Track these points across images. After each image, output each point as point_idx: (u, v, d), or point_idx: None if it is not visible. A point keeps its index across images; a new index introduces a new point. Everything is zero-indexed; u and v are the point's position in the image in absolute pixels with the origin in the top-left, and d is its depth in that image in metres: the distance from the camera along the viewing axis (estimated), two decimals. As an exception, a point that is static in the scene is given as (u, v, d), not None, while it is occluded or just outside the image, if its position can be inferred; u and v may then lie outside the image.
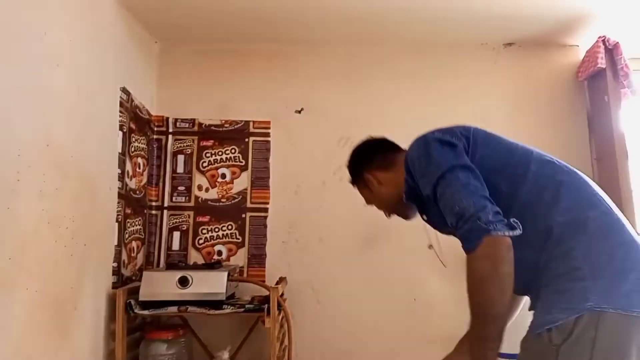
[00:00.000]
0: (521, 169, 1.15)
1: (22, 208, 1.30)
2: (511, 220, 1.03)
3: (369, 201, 1.49)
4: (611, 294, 0.98)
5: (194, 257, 2.38)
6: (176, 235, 2.39)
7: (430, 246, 1.52)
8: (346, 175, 2.42)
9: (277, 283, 2.11)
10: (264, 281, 2.30)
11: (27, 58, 1.36)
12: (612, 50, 2.31)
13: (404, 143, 2.44)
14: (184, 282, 1.92)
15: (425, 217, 1.38)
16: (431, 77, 2.54)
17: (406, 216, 1.45)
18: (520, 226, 1.03)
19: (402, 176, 1.30)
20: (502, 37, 2.51)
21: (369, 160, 1.43)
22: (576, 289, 1.00)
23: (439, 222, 1.29)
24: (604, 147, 2.39)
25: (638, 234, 1.12)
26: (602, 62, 2.28)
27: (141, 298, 1.89)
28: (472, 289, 1.04)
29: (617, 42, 2.29)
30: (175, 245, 2.39)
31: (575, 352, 0.96)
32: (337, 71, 2.56)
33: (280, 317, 2.01)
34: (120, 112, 1.99)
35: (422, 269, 2.39)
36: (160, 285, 1.93)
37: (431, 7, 2.15)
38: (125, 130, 2.03)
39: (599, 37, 2.32)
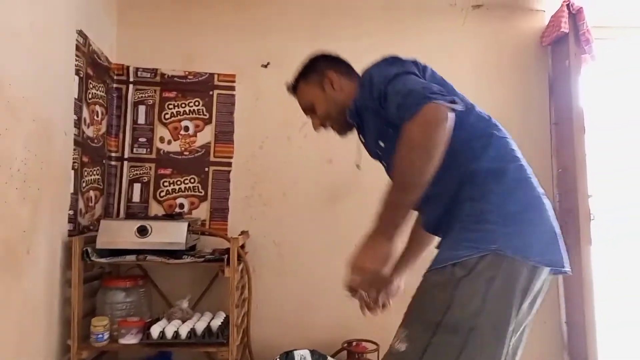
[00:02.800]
0: (463, 115, 1.15)
1: (-33, 144, 1.25)
2: (454, 98, 1.07)
3: (311, 101, 1.43)
4: (516, 241, 1.05)
5: (155, 209, 2.36)
6: (137, 187, 2.36)
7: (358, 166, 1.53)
8: (311, 131, 2.46)
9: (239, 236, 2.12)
10: (226, 234, 2.30)
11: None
12: (575, 15, 2.34)
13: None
14: (143, 231, 1.90)
15: (362, 138, 1.40)
16: (398, 35, 2.53)
17: (340, 131, 1.45)
18: (462, 105, 1.08)
19: (354, 93, 1.32)
20: (471, -1, 2.51)
21: (338, 62, 1.44)
22: (484, 230, 1.07)
23: (373, 142, 1.31)
24: (562, 111, 2.45)
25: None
26: (565, 27, 2.32)
27: (98, 246, 1.87)
28: (402, 156, 1.07)
29: (581, 7, 2.33)
30: (136, 197, 2.36)
31: (473, 287, 1.03)
32: (304, 26, 2.52)
33: (240, 268, 2.03)
34: (77, 55, 1.92)
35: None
36: (118, 234, 1.91)
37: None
38: (82, 76, 1.95)
39: (564, 2, 2.34)
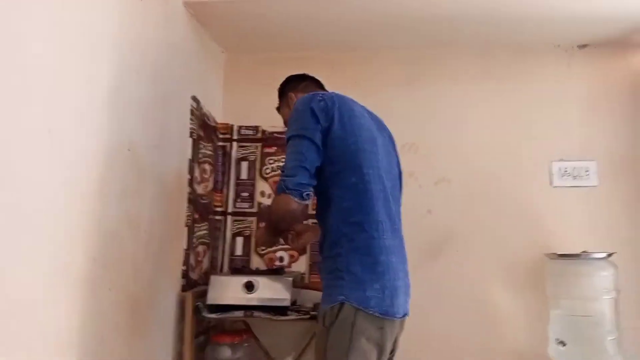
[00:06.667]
0: (341, 177, 1.39)
1: (105, 209, 1.35)
2: (305, 193, 1.33)
3: (286, 119, 1.71)
4: (357, 294, 1.31)
5: (256, 262, 2.40)
6: (239, 240, 2.42)
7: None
8: (409, 182, 2.42)
9: (341, 290, 2.09)
10: (326, 288, 2.28)
11: (112, 71, 1.42)
12: (699, 50, 2.15)
13: (474, 146, 2.40)
14: (250, 287, 1.93)
15: None
16: (500, 80, 2.46)
17: None
18: (309, 199, 1.36)
19: None
20: (575, 39, 2.40)
21: (298, 82, 1.79)
22: (335, 286, 1.34)
23: None
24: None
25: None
26: (688, 63, 2.13)
27: (209, 301, 1.92)
28: (269, 211, 1.49)
29: None
30: (239, 251, 2.41)
31: (340, 332, 1.29)
32: (400, 76, 2.53)
33: (344, 325, 1.98)
34: (191, 119, 2.05)
35: (491, 280, 2.31)
36: (226, 289, 1.95)
37: (500, 8, 2.08)
38: (195, 137, 2.08)
39: (685, 36, 2.17)
